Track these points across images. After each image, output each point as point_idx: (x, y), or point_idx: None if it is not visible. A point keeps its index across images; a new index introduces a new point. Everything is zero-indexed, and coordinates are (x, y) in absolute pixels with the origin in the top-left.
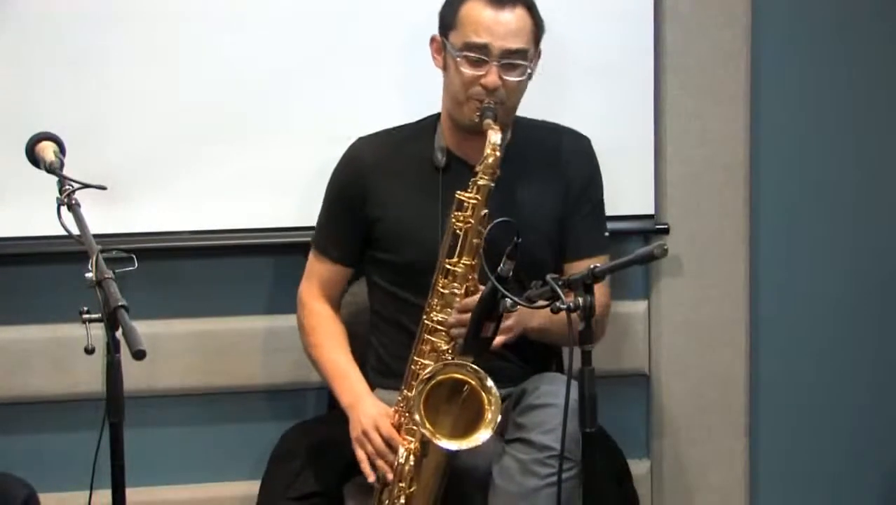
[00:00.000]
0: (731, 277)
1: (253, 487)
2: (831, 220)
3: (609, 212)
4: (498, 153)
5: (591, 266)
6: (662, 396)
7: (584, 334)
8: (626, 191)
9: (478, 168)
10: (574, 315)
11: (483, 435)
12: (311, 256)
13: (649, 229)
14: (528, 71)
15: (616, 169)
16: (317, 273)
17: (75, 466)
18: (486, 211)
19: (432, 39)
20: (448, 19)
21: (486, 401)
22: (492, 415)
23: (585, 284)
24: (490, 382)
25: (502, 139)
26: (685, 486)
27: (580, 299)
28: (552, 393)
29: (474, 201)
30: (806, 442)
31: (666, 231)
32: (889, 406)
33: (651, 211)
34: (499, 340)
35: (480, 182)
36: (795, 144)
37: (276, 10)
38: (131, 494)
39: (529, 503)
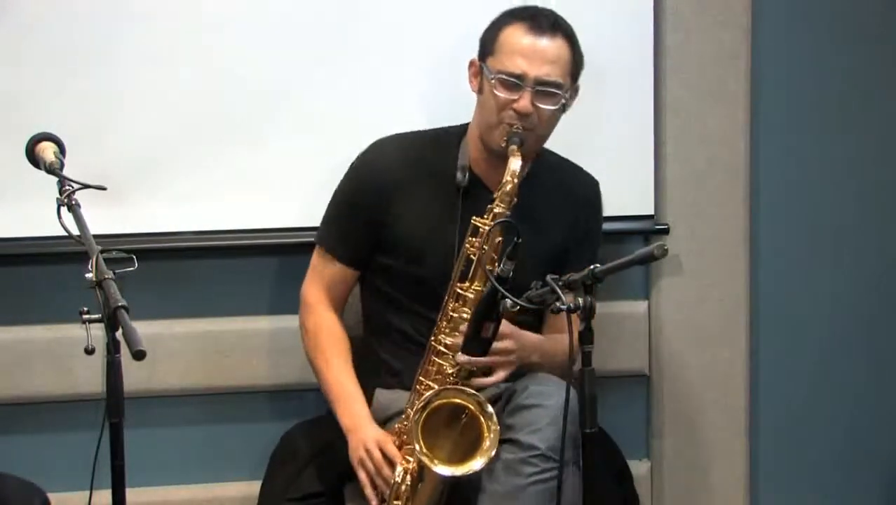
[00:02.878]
0: (731, 277)
1: (253, 488)
2: (831, 219)
3: (609, 212)
4: (516, 181)
5: (592, 266)
6: (662, 396)
7: (583, 335)
8: (626, 191)
9: (495, 195)
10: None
11: (478, 463)
12: (317, 254)
13: (649, 229)
14: (563, 101)
15: (616, 169)
16: (323, 273)
17: (75, 466)
18: (500, 239)
19: (471, 64)
20: (488, 44)
21: (485, 428)
22: (489, 443)
23: (585, 285)
24: (490, 409)
25: (522, 167)
26: (685, 486)
27: (580, 300)
28: (542, 393)
29: (489, 228)
30: (806, 442)
31: (666, 231)
32: (889, 406)
33: (651, 211)
34: (502, 374)
35: (497, 209)
36: (795, 144)
37: (279, 9)
38: (131, 494)
39: (513, 502)
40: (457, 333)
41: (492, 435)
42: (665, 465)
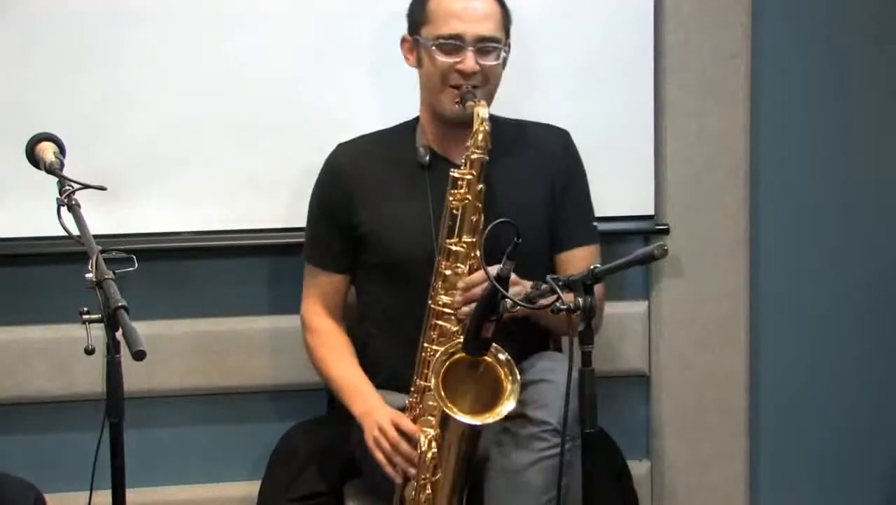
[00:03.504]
0: (731, 277)
1: (253, 488)
2: (831, 220)
3: (609, 212)
4: (487, 127)
5: (592, 266)
6: (662, 396)
7: (583, 335)
8: (626, 191)
9: (468, 143)
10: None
11: (506, 407)
12: (307, 271)
13: (649, 229)
14: (503, 54)
15: (616, 169)
16: (315, 288)
17: (75, 466)
18: (481, 186)
19: (403, 40)
20: (417, 16)
21: (502, 375)
22: (511, 386)
23: (585, 285)
24: (503, 355)
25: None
26: (685, 486)
27: (580, 300)
28: (549, 369)
29: (469, 176)
30: (806, 442)
31: (666, 231)
32: (889, 406)
33: (651, 211)
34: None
35: (473, 156)
36: (795, 144)
37: (274, 11)
38: (131, 494)
39: (523, 477)
40: (454, 291)
41: (510, 380)
42: (665, 465)
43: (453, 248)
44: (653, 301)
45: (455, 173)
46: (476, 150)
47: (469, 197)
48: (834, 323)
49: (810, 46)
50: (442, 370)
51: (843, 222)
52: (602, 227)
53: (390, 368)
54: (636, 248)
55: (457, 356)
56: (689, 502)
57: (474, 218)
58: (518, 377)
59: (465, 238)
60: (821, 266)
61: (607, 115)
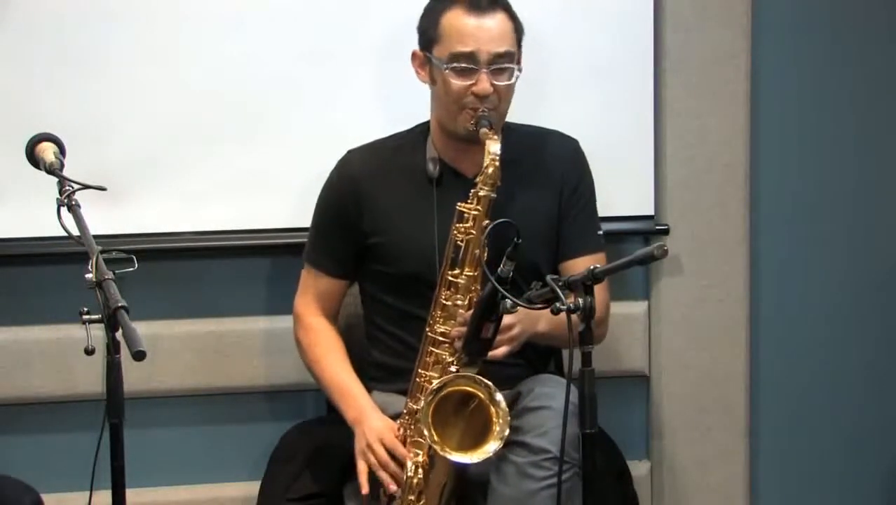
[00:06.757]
0: (731, 277)
1: (253, 488)
2: (831, 219)
3: (609, 212)
4: (497, 163)
5: (592, 267)
6: (662, 396)
7: (583, 335)
8: (626, 191)
9: (478, 179)
10: (574, 316)
11: (492, 447)
12: (305, 271)
13: (649, 230)
14: (517, 73)
15: (616, 169)
16: (313, 288)
17: (75, 467)
18: (487, 221)
19: (413, 55)
20: (429, 33)
21: (493, 413)
22: (500, 427)
23: (585, 285)
24: (499, 396)
25: (501, 148)
26: (685, 486)
27: (580, 300)
28: (548, 395)
29: (475, 212)
30: (806, 442)
31: (666, 231)
32: (889, 406)
33: (651, 211)
34: (504, 349)
35: (481, 193)
36: (795, 144)
37: (276, 11)
38: (131, 494)
39: None
40: (452, 322)
41: (501, 420)
42: (665, 465)
43: (454, 279)
44: (653, 301)
45: (462, 207)
46: (485, 187)
47: (474, 231)
48: (834, 323)
49: (810, 46)
50: (430, 409)
51: (843, 222)
52: (602, 227)
53: (395, 373)
54: (636, 249)
55: (446, 390)
56: (689, 502)
57: (477, 252)
58: (507, 418)
59: (467, 271)
60: (821, 266)
61: (607, 115)
